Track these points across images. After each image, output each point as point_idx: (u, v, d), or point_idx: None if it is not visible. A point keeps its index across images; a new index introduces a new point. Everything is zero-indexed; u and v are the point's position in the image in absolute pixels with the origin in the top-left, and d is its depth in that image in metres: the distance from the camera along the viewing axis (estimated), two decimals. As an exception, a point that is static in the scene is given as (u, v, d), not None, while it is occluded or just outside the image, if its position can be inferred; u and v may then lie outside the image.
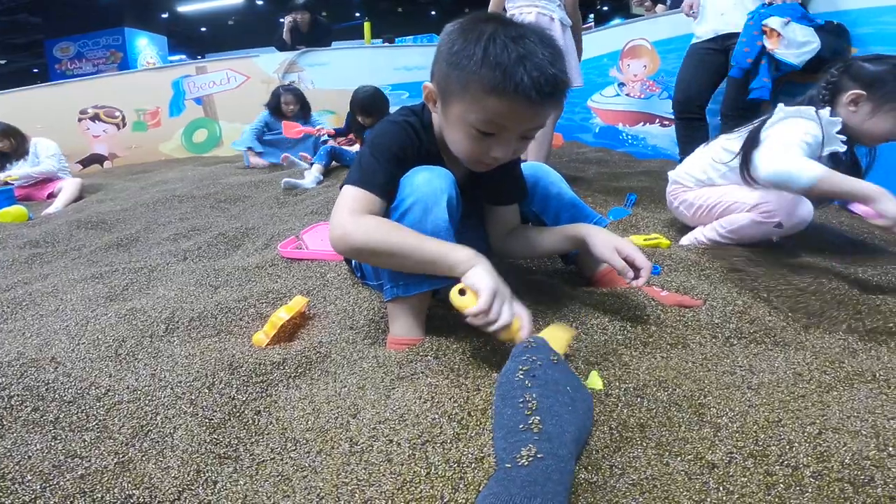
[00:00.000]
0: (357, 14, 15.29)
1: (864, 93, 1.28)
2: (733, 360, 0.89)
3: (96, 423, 0.68)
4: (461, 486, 0.55)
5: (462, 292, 0.75)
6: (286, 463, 0.61)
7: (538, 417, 0.57)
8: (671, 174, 1.61)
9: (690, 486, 0.56)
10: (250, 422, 0.69)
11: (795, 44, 1.95)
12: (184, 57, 13.10)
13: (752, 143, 1.35)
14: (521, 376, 0.64)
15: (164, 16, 12.82)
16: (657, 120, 3.12)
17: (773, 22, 1.97)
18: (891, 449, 0.60)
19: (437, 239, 0.79)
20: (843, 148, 1.30)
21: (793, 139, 1.25)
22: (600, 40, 3.46)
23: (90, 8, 10.06)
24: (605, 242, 0.95)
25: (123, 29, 10.21)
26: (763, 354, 0.92)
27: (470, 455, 0.59)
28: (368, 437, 0.63)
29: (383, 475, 0.57)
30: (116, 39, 10.18)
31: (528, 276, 1.22)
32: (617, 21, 3.80)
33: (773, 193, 1.32)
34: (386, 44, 6.76)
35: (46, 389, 0.72)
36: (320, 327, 1.01)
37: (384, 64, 4.44)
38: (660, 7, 3.40)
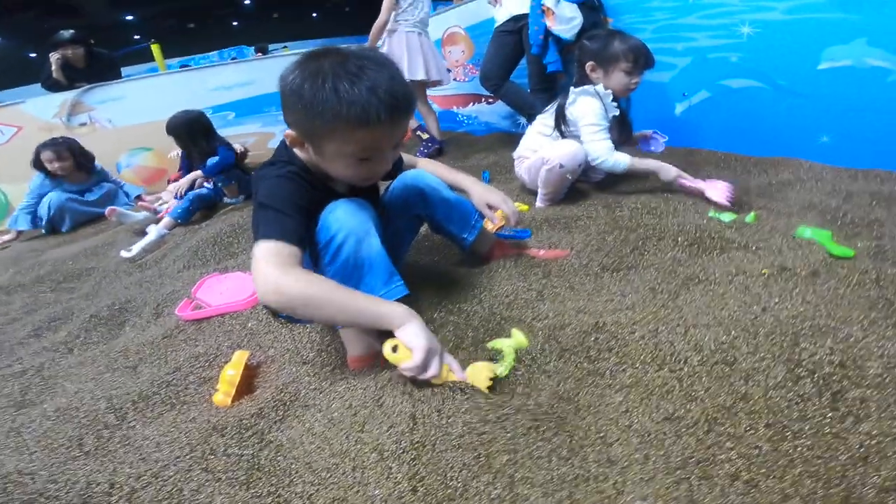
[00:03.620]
0: (136, 37, 13.53)
1: (594, 62, 1.75)
2: (608, 289, 1.18)
3: (127, 519, 0.67)
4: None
5: (394, 349, 0.82)
6: (331, 489, 0.69)
7: None
8: (514, 153, 1.97)
9: (612, 399, 0.78)
10: (273, 468, 0.74)
11: (565, 20, 2.35)
12: None
13: (561, 120, 1.81)
14: None
15: None
16: (483, 99, 3.50)
17: (548, 1, 2.34)
18: (733, 332, 0.87)
19: (368, 295, 0.85)
20: (617, 112, 1.78)
21: (596, 124, 1.72)
22: None
23: None
24: (478, 197, 1.22)
25: None
26: (624, 279, 1.23)
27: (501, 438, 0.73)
28: (392, 442, 0.73)
29: (436, 467, 0.68)
30: None
31: (436, 267, 1.40)
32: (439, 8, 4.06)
33: (554, 144, 1.78)
34: (259, 54, 6.22)
35: (47, 499, 0.67)
36: (274, 372, 1.05)
37: (196, 87, 4.09)
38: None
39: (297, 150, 0.94)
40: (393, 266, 0.94)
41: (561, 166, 1.70)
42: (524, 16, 2.51)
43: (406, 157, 1.28)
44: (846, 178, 1.78)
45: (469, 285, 1.20)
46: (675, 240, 1.41)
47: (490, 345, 0.97)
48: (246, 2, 18.81)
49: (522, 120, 3.10)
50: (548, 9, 2.38)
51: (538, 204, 1.84)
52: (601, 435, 0.73)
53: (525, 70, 2.69)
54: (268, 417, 0.87)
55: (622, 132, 1.93)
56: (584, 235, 1.47)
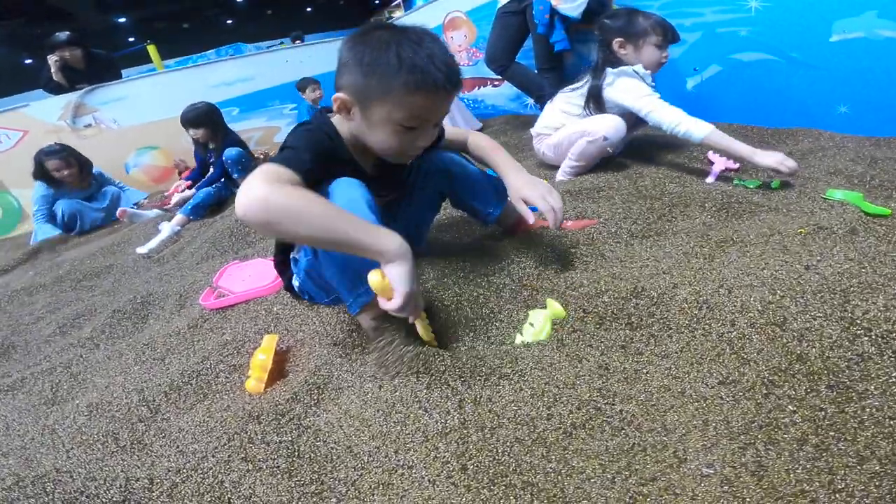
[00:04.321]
0: (131, 39, 13.57)
1: (622, 38, 1.68)
2: (640, 255, 1.15)
3: (167, 515, 0.65)
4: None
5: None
6: (374, 473, 0.67)
7: None
8: (532, 130, 1.94)
9: (660, 366, 0.75)
10: (313, 454, 0.72)
11: None
12: None
13: (597, 102, 1.73)
14: None
15: None
16: (488, 82, 3.44)
17: None
18: (779, 292, 0.83)
19: (364, 221, 0.77)
20: (657, 95, 1.68)
21: (650, 94, 1.62)
22: (423, 18, 3.63)
23: None
24: (515, 191, 1.08)
25: None
26: (655, 245, 1.20)
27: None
28: (436, 422, 0.71)
29: (486, 444, 0.66)
30: None
31: (459, 242, 1.37)
32: (421, -3, 3.99)
33: (595, 118, 1.71)
34: (297, 42, 6.31)
35: (88, 497, 0.65)
36: (304, 356, 1.03)
37: (197, 84, 4.06)
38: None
39: (339, 118, 0.94)
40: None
41: (605, 139, 1.67)
42: None
43: (453, 129, 1.23)
44: (869, 145, 1.73)
45: (495, 258, 1.18)
46: (702, 206, 1.38)
47: (527, 316, 0.95)
48: (238, -1, 18.77)
49: (529, 101, 3.04)
50: None
51: (558, 177, 1.81)
52: (653, 403, 0.70)
53: (531, 51, 2.63)
54: (303, 402, 0.85)
55: None
56: (608, 205, 1.43)
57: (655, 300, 0.92)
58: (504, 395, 0.76)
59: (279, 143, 4.45)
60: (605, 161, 1.89)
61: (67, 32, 3.88)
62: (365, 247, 0.75)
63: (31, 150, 3.70)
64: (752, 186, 1.52)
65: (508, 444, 0.67)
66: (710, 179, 1.61)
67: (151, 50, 5.92)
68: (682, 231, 1.24)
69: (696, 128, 1.51)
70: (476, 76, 3.53)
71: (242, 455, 0.73)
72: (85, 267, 2.12)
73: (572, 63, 2.81)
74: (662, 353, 0.79)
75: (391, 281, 0.75)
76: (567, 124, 1.83)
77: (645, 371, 0.76)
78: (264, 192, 0.70)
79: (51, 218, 3.11)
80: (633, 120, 1.81)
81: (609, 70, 1.71)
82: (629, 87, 1.66)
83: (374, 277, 0.76)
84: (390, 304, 0.76)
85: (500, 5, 2.65)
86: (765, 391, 0.68)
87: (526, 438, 0.67)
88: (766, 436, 0.62)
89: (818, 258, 0.96)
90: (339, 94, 0.90)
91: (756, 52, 2.07)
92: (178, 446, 0.77)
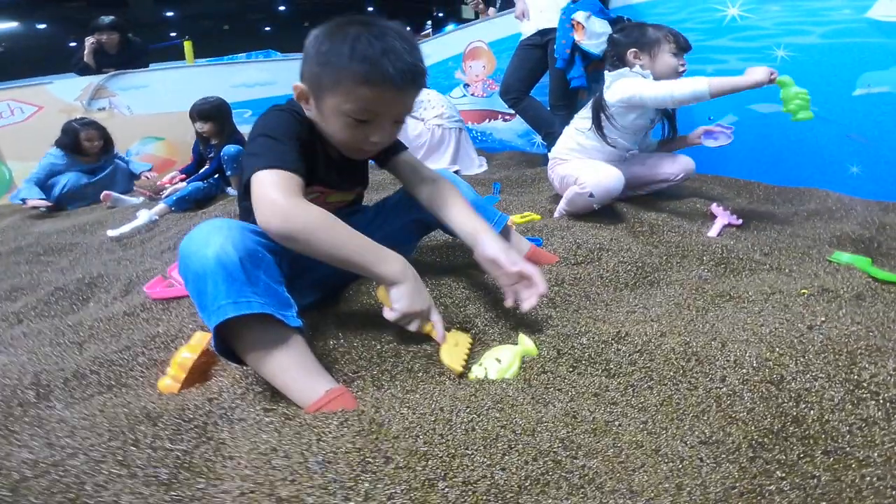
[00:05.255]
0: (173, 34, 13.98)
1: (637, 49, 1.62)
2: (627, 300, 1.04)
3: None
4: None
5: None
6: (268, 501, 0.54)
7: None
8: (549, 155, 1.85)
9: (635, 419, 0.65)
10: (205, 469, 0.60)
11: (595, 35, 2.24)
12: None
13: (599, 109, 1.63)
14: None
15: None
16: (500, 116, 3.41)
17: (579, 16, 2.25)
18: (778, 349, 0.74)
19: (367, 240, 0.80)
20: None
21: (645, 83, 1.53)
22: (446, 45, 3.65)
23: None
24: (487, 254, 0.89)
25: None
26: (646, 293, 1.09)
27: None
28: (355, 459, 0.58)
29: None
30: None
31: (435, 267, 1.26)
32: (451, 27, 4.04)
33: (589, 169, 1.58)
34: None
35: None
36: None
37: (219, 82, 4.05)
38: (491, 10, 3.67)
39: (302, 105, 0.91)
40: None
41: (591, 195, 1.53)
42: (551, 30, 2.42)
43: (424, 167, 1.07)
44: (878, 210, 1.67)
45: (473, 286, 1.07)
46: (699, 258, 1.29)
47: (491, 352, 0.83)
48: (280, 8, 19.45)
49: (538, 138, 3.00)
50: (578, 23, 2.29)
51: (556, 214, 1.69)
52: (622, 461, 0.58)
53: (546, 88, 2.59)
54: (216, 410, 0.72)
55: (668, 132, 1.82)
56: (601, 248, 1.32)
57: (639, 347, 0.81)
58: (460, 433, 0.63)
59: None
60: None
61: (112, 17, 3.94)
62: (369, 271, 0.79)
63: (41, 126, 3.68)
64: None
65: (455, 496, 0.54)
66: (711, 233, 1.51)
67: (187, 46, 6.00)
68: (676, 282, 1.14)
69: (696, 85, 1.42)
70: (487, 108, 3.51)
71: (120, 458, 0.60)
72: (50, 241, 2.01)
73: (585, 102, 2.77)
74: (640, 405, 0.68)
75: (391, 300, 0.79)
76: (577, 152, 1.73)
77: (617, 423, 0.64)
78: (287, 209, 0.74)
79: (45, 187, 3.03)
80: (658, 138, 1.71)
81: (607, 73, 1.63)
82: (626, 83, 1.57)
83: (381, 291, 0.83)
84: (387, 314, 0.81)
85: (522, 38, 2.64)
86: (751, 454, 0.57)
87: (483, 493, 0.54)
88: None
89: (822, 319, 0.86)
90: (297, 84, 0.88)
91: (773, 104, 2.01)
92: (49, 438, 0.65)
